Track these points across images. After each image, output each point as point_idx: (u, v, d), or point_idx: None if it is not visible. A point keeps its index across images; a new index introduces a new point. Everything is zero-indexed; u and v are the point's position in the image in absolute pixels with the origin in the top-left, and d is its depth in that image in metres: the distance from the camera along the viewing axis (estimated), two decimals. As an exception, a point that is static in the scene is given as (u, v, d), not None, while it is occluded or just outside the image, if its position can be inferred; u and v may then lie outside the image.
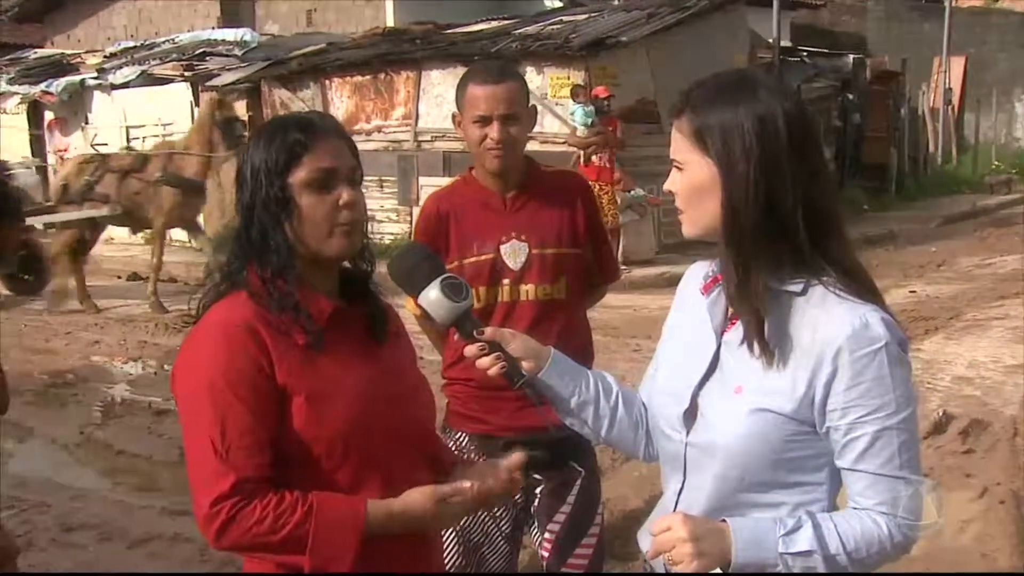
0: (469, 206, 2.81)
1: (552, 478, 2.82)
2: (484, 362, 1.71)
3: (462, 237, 2.79)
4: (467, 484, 1.76)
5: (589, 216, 2.89)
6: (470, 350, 1.72)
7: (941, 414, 5.75)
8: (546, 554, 2.86)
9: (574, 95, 11.10)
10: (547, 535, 2.85)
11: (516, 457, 1.86)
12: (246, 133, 10.05)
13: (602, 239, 3.03)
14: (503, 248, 2.77)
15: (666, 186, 1.67)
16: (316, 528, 1.64)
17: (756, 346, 1.59)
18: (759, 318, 1.58)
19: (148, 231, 11.04)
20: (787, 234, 1.56)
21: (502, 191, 2.79)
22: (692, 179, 1.62)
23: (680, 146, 1.63)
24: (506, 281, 2.76)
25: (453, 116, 2.83)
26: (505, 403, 2.65)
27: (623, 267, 10.63)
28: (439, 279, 1.73)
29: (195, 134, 10.35)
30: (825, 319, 1.57)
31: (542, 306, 2.77)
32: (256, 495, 1.64)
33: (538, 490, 2.84)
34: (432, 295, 1.72)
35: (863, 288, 1.60)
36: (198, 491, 1.67)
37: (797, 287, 1.60)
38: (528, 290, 2.78)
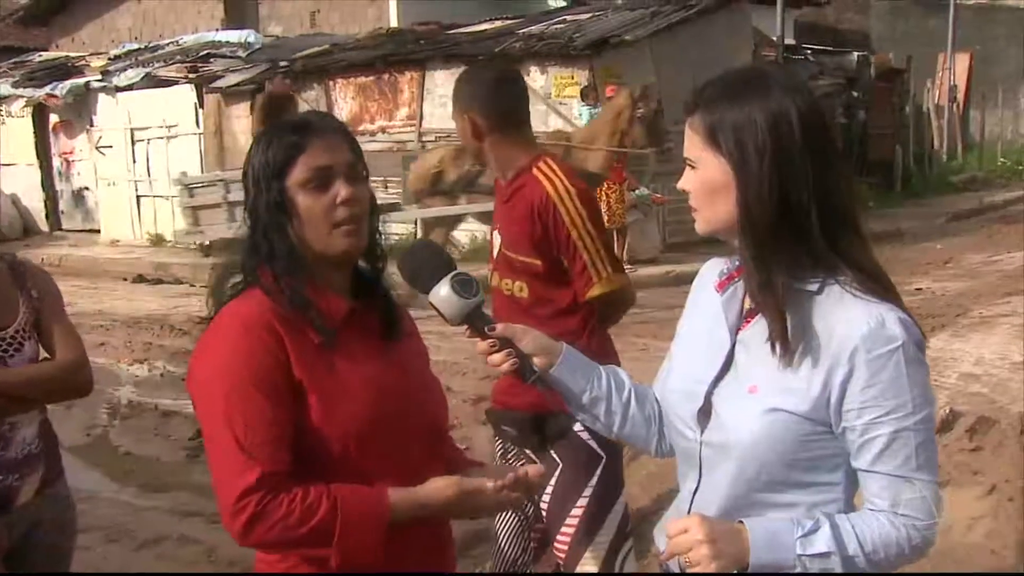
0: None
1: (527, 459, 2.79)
2: (495, 358, 1.70)
3: None
4: (490, 484, 1.75)
5: (548, 230, 2.71)
6: (481, 347, 1.72)
7: (948, 412, 5.72)
8: None
9: (583, 96, 11.09)
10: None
11: (533, 469, 1.86)
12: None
13: (569, 254, 2.72)
14: (495, 234, 2.93)
15: (680, 184, 1.65)
16: (343, 520, 1.63)
17: (777, 345, 1.57)
18: (783, 317, 1.56)
19: None
20: (802, 232, 1.55)
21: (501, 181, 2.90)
22: (705, 177, 1.60)
23: (693, 144, 1.61)
24: (490, 266, 2.93)
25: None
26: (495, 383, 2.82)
27: (628, 266, 10.60)
28: (449, 276, 1.71)
29: (603, 125, 8.99)
30: (841, 318, 1.55)
31: (506, 300, 2.83)
32: (282, 489, 1.63)
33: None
34: (442, 292, 1.70)
35: (880, 286, 1.58)
36: (222, 485, 1.65)
37: (813, 286, 1.58)
38: (496, 278, 2.88)
